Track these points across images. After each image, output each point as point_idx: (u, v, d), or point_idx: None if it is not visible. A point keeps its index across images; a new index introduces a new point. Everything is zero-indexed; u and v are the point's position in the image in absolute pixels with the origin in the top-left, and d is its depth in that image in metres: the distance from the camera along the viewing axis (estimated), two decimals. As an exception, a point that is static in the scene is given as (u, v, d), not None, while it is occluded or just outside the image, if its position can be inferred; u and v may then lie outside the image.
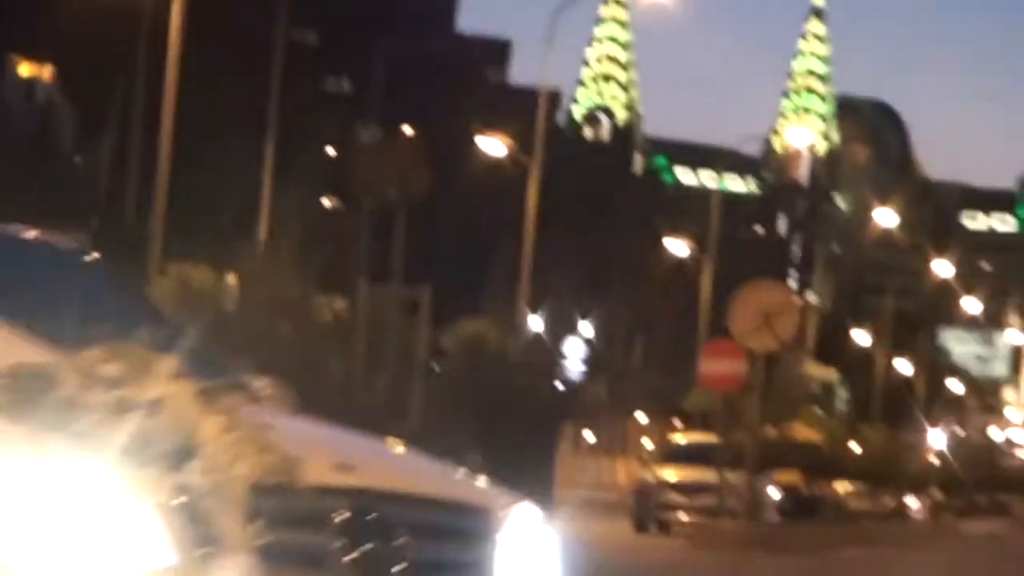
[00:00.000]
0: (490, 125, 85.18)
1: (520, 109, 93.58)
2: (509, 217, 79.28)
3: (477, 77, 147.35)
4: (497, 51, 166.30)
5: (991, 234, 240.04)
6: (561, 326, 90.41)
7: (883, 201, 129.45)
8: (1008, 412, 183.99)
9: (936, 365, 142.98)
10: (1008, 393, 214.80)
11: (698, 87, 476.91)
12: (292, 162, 79.66)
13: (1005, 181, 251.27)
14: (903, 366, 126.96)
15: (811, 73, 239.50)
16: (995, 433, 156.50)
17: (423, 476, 7.06)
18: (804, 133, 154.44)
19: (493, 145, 78.30)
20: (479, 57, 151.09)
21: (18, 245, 9.45)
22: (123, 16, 71.40)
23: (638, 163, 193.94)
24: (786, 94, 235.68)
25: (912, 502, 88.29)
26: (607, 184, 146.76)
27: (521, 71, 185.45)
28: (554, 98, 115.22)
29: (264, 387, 7.98)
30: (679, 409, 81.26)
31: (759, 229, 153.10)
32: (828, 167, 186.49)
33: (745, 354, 41.08)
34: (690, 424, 74.85)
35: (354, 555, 5.82)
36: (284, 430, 6.57)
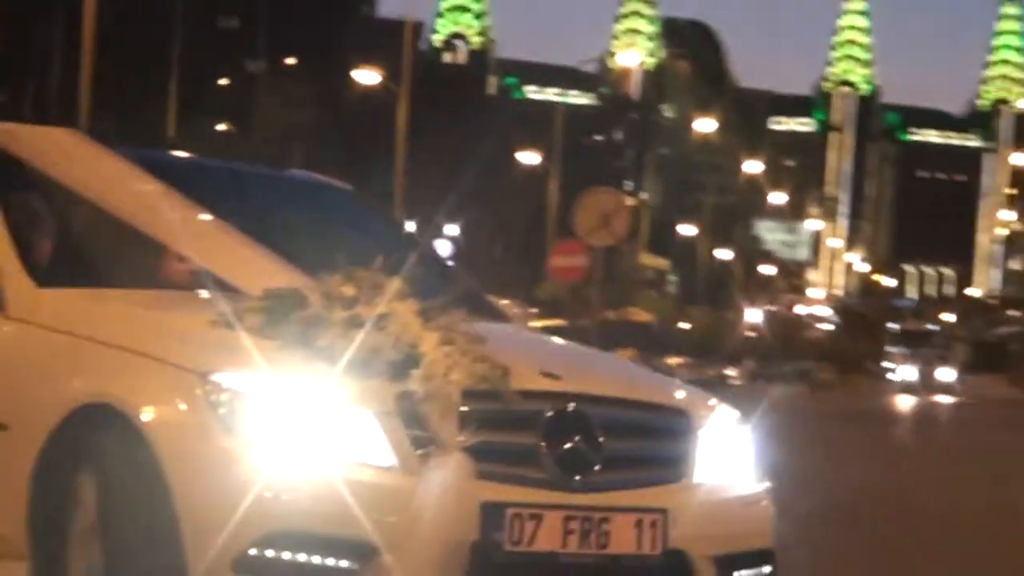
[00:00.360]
0: (364, 56, 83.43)
1: (389, 39, 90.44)
2: (388, 139, 75.78)
3: (350, 11, 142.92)
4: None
5: (793, 135, 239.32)
6: (432, 231, 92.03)
7: (702, 110, 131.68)
8: (810, 291, 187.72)
9: (750, 252, 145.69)
10: (811, 274, 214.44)
11: (543, 13, 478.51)
12: (194, 94, 78.78)
13: (804, 88, 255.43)
14: (723, 254, 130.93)
15: None
16: (800, 309, 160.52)
17: (626, 381, 7.18)
18: (633, 54, 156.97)
19: (367, 75, 76.65)
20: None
21: (293, 185, 9.96)
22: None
23: (492, 84, 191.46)
24: (617, 18, 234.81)
25: (731, 371, 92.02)
26: (466, 104, 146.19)
27: (388, 4, 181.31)
28: (417, 28, 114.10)
29: (508, 305, 8.97)
30: (533, 298, 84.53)
31: (599, 138, 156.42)
32: (655, 81, 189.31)
33: (587, 250, 43.78)
34: (543, 310, 78.04)
35: (558, 452, 6.04)
36: (505, 342, 6.92)
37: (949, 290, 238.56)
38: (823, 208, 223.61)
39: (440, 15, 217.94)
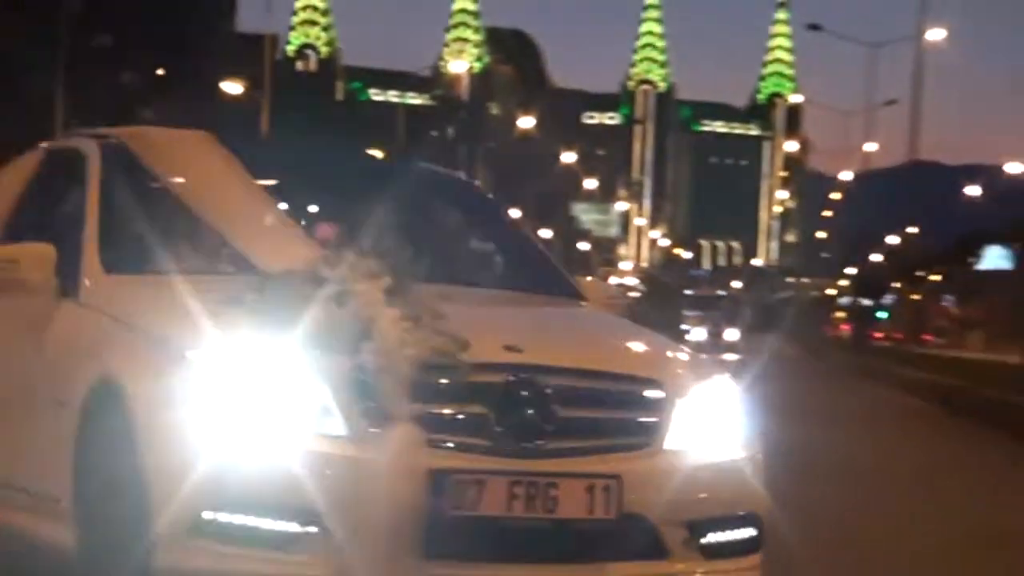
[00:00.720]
0: (228, 68, 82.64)
1: (249, 52, 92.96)
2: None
3: (212, 27, 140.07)
4: (227, 5, 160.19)
5: (603, 128, 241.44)
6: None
7: (524, 108, 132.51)
8: (621, 264, 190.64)
9: (569, 232, 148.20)
10: (621, 249, 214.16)
11: (384, 23, 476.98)
12: (74, 107, 77.61)
13: (612, 87, 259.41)
14: (545, 233, 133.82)
15: (465, 11, 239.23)
16: (613, 279, 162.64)
17: (596, 353, 6.45)
18: (461, 62, 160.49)
19: (231, 86, 73.96)
20: (211, 9, 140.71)
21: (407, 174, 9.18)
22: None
23: (340, 89, 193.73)
24: (447, 28, 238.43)
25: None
26: (319, 108, 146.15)
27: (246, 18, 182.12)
28: (274, 41, 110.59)
29: (593, 284, 8.48)
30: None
31: (435, 135, 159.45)
32: (482, 84, 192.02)
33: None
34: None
35: (507, 421, 5.59)
36: (496, 316, 6.81)
37: (737, 260, 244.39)
38: (630, 191, 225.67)
39: (292, 28, 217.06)
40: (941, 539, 12.54)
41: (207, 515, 5.49)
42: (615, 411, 5.92)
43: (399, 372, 5.44)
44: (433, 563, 5.41)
